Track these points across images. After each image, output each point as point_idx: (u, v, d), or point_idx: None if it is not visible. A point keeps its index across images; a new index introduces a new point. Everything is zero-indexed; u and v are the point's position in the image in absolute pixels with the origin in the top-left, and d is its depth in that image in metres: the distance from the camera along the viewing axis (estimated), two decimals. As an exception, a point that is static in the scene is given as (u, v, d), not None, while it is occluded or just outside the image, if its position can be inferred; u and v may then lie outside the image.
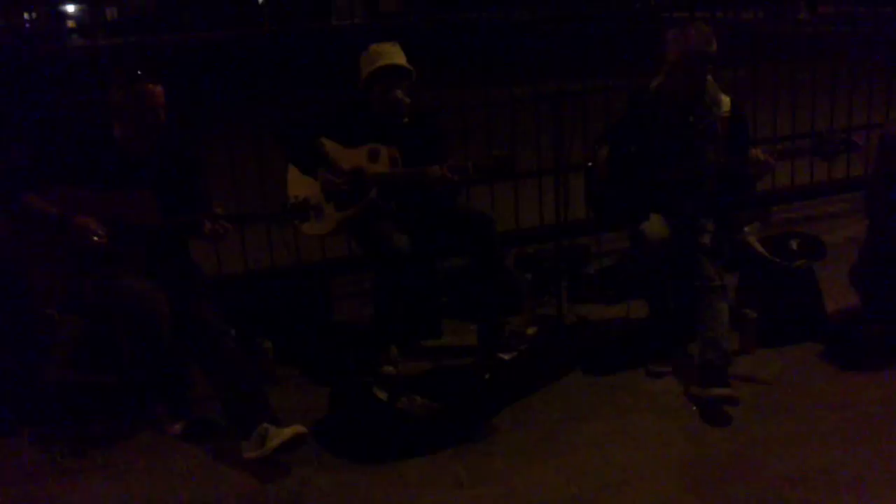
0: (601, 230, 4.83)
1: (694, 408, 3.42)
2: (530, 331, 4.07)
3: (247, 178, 4.90)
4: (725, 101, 3.71)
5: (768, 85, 5.65)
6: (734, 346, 3.75)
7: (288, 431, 3.10)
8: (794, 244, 4.16)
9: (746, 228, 4.52)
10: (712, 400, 3.37)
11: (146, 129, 3.37)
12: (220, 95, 6.03)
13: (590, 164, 3.95)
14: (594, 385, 3.69)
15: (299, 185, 3.88)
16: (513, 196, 5.16)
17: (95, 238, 3.23)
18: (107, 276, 3.28)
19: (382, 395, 3.41)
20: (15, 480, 3.17)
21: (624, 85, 4.64)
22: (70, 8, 46.91)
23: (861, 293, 3.95)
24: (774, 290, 3.97)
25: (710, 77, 3.68)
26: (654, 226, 3.63)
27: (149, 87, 3.33)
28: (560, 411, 3.48)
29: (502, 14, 5.57)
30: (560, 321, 4.13)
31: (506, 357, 3.84)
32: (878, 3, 6.48)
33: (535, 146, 5.08)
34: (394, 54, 3.86)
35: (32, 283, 3.44)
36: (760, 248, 4.09)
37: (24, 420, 3.53)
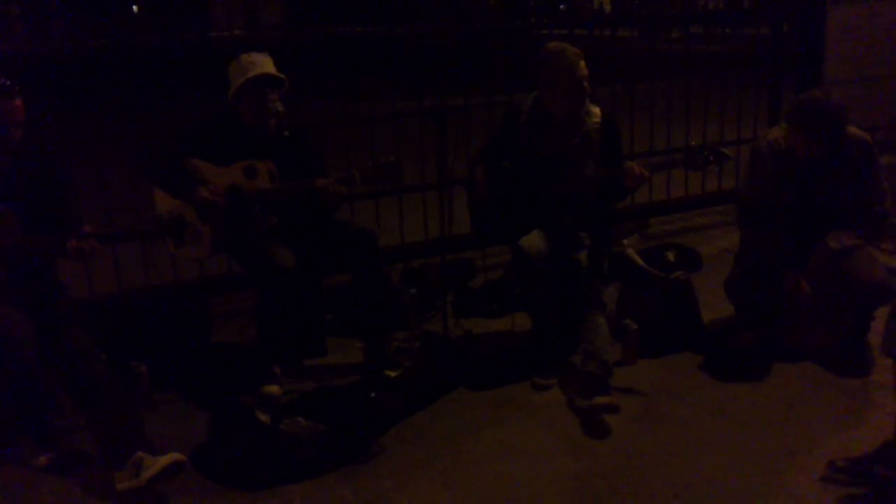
0: (483, 245, 4.85)
1: (579, 419, 3.45)
2: (416, 346, 4.03)
3: (119, 195, 4.69)
4: (595, 111, 3.81)
5: (644, 102, 5.81)
6: (616, 357, 3.82)
7: (164, 459, 2.96)
8: (671, 256, 4.28)
9: (625, 241, 4.64)
10: (594, 409, 3.42)
11: (3, 142, 3.16)
12: (90, 108, 5.77)
13: (469, 178, 3.97)
14: (481, 399, 3.68)
15: (170, 204, 3.71)
16: (397, 211, 5.12)
17: (-51, 260, 3.01)
18: (-37, 299, 3.06)
19: (264, 418, 3.30)
20: None
21: (505, 101, 4.67)
22: (-74, 14, 44.39)
23: (735, 303, 4.09)
24: (653, 301, 4.06)
25: None
26: (533, 240, 3.67)
27: (7, 101, 3.13)
28: (447, 428, 3.46)
29: (386, 28, 5.54)
30: (446, 336, 4.11)
31: (392, 374, 3.79)
32: (744, 24, 6.77)
33: (419, 161, 5.07)
34: (266, 64, 3.74)
35: None
36: (639, 260, 4.18)
37: None
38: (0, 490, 3.09)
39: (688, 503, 2.89)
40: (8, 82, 3.16)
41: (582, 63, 3.68)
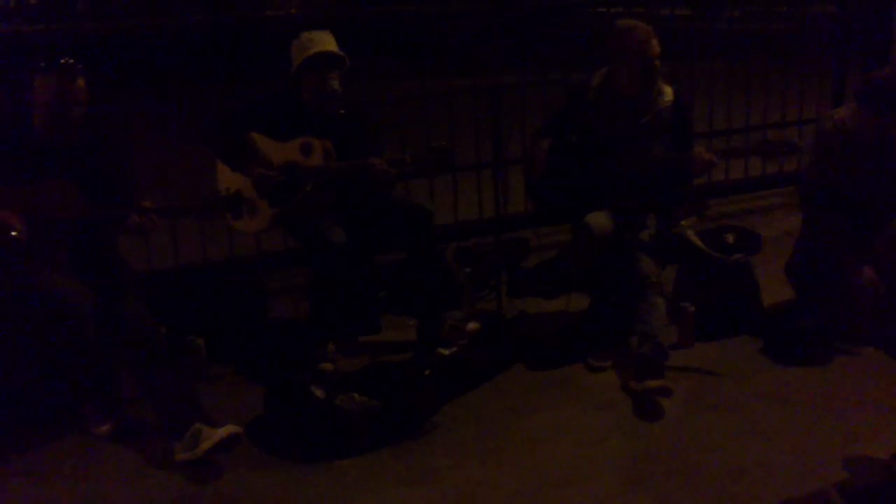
0: (538, 224, 4.81)
1: (633, 402, 3.42)
2: (470, 326, 4.02)
3: (178, 170, 4.75)
4: (668, 91, 3.73)
5: (704, 81, 5.70)
6: (672, 340, 3.76)
7: (221, 431, 3.00)
8: (730, 238, 4.20)
9: (683, 222, 4.55)
10: (647, 392, 3.38)
11: (66, 120, 3.23)
12: (151, 85, 5.85)
13: (529, 155, 3.92)
14: (534, 380, 3.67)
15: (230, 179, 3.76)
16: (452, 189, 5.10)
17: (14, 233, 3.08)
18: (27, 272, 3.13)
19: (319, 393, 3.32)
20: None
21: (562, 79, 4.62)
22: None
23: (796, 286, 4.00)
24: (712, 283, 3.99)
25: None
26: (599, 220, 3.63)
27: (70, 80, 3.19)
28: (500, 407, 3.45)
29: (441, 6, 5.51)
30: (500, 316, 4.10)
31: (445, 352, 3.78)
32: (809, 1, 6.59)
33: (474, 139, 5.04)
34: (326, 42, 3.75)
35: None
36: (698, 242, 4.11)
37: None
38: (66, 457, 3.16)
39: (745, 487, 2.85)
40: (71, 61, 3.22)
41: (654, 41, 3.61)
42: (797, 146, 3.63)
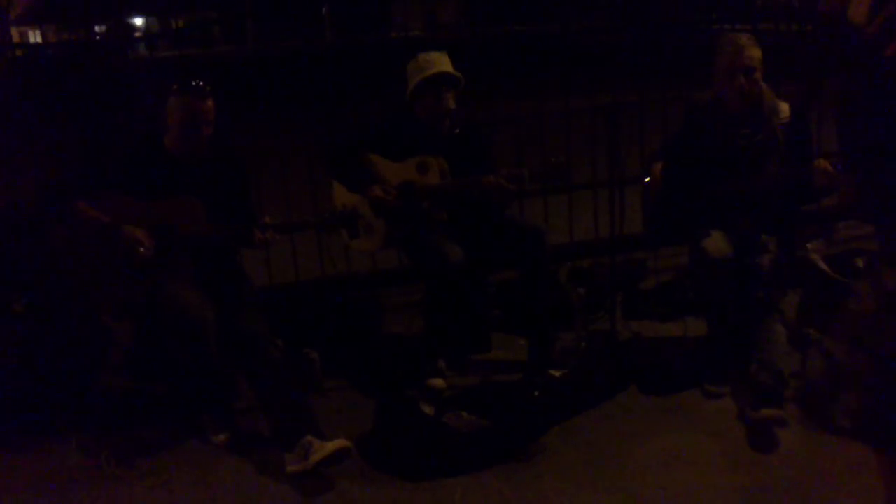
0: (656, 245, 4.70)
1: (746, 430, 3.29)
2: (582, 347, 3.97)
3: (299, 188, 4.89)
4: (784, 107, 3.60)
5: (829, 98, 5.45)
6: (795, 367, 3.60)
7: (331, 445, 3.06)
8: (860, 262, 4.00)
9: (809, 245, 4.36)
10: (763, 421, 3.24)
11: (196, 140, 3.38)
12: (277, 106, 6.06)
13: (646, 179, 3.86)
14: (648, 405, 3.58)
15: (347, 198, 3.85)
16: (567, 209, 5.06)
17: (141, 250, 3.24)
18: (155, 283, 3.29)
19: (428, 410, 3.35)
20: (60, 485, 3.18)
21: (680, 96, 4.52)
22: (138, 21, 48.11)
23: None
24: (839, 309, 3.80)
25: (765, 85, 3.59)
26: (717, 242, 3.52)
27: (200, 100, 3.34)
28: (612, 432, 3.38)
29: (559, 25, 5.49)
30: (613, 338, 4.02)
31: (556, 374, 3.74)
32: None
33: (591, 159, 4.98)
34: (443, 63, 3.80)
35: (86, 290, 3.46)
36: (824, 266, 3.93)
37: (73, 425, 3.55)
38: (186, 463, 3.29)
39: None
40: (202, 83, 3.37)
41: (753, 48, 3.50)
42: None
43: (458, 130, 3.88)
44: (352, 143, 3.88)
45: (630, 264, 4.69)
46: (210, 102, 3.39)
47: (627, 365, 3.81)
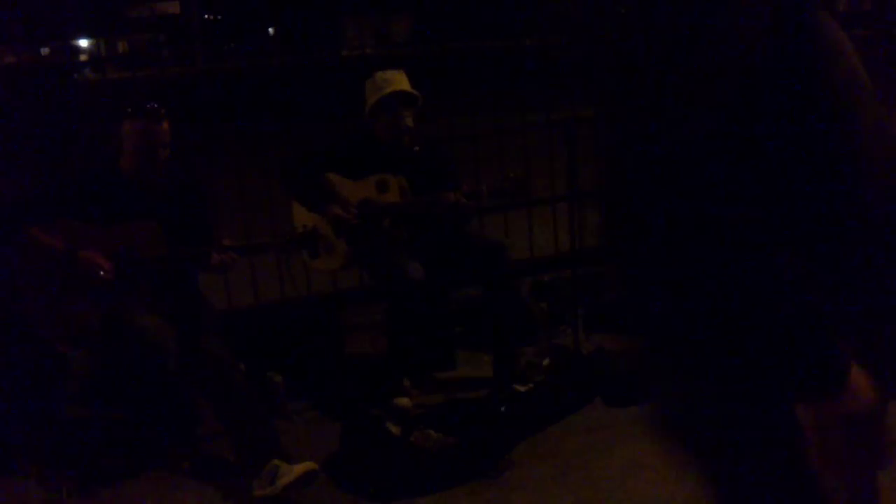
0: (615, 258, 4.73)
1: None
2: (546, 362, 3.98)
3: (256, 208, 4.85)
4: None
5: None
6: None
7: (298, 468, 3.02)
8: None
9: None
10: None
11: (152, 162, 3.34)
12: (229, 125, 6.02)
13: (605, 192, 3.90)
14: (613, 416, 3.60)
15: (307, 218, 3.82)
16: (527, 224, 5.09)
17: (101, 273, 3.19)
18: (113, 310, 3.23)
19: (395, 430, 3.33)
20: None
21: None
22: (83, 42, 47.53)
23: None
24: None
25: None
26: None
27: (155, 122, 3.30)
28: (578, 444, 3.39)
29: (512, 41, 5.54)
30: (577, 351, 4.05)
31: (522, 389, 3.75)
32: None
33: (549, 173, 5.02)
34: (401, 81, 3.81)
35: (40, 320, 3.39)
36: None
37: (31, 457, 3.46)
38: (147, 492, 3.22)
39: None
40: (156, 106, 3.34)
41: None
42: None
43: (417, 148, 3.89)
44: (308, 163, 3.85)
45: (591, 277, 4.72)
46: (165, 125, 3.36)
47: (592, 378, 3.83)
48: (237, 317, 4.39)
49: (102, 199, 3.33)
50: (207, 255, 3.34)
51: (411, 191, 3.77)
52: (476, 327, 4.30)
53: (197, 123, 5.14)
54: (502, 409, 3.47)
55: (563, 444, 3.40)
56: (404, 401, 3.70)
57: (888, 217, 1.47)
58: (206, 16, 47.77)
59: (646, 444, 3.35)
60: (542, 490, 3.09)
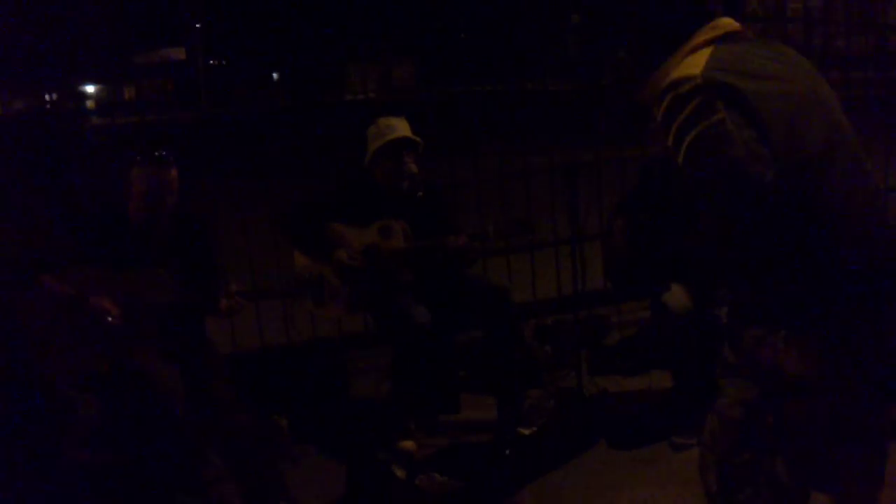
0: (617, 301, 4.77)
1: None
2: (550, 404, 3.99)
3: (262, 253, 4.89)
4: None
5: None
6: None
7: (304, 512, 3.03)
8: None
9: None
10: None
11: (160, 209, 3.39)
12: (236, 171, 6.09)
13: (607, 233, 3.94)
14: (618, 458, 3.61)
15: (307, 265, 3.85)
16: (529, 267, 5.13)
17: (110, 318, 3.22)
18: (121, 355, 3.26)
19: (400, 473, 3.34)
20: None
21: (637, 155, 4.63)
22: (90, 88, 48.01)
23: None
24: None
25: None
26: (677, 297, 3.59)
27: (164, 170, 3.36)
28: (583, 486, 3.39)
29: (516, 85, 5.62)
30: (581, 394, 4.06)
31: (526, 432, 3.76)
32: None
33: (551, 216, 5.07)
34: (402, 127, 3.87)
35: (50, 364, 3.41)
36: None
37: (37, 502, 3.46)
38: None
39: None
40: (164, 153, 3.40)
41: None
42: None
43: (420, 193, 3.94)
44: (307, 213, 3.89)
45: (594, 320, 4.75)
46: (174, 172, 3.41)
47: (596, 420, 3.84)
48: (243, 360, 4.42)
49: (111, 246, 3.37)
50: (216, 301, 3.38)
51: (414, 236, 3.82)
52: (480, 370, 4.31)
53: (203, 167, 5.20)
54: (507, 451, 3.48)
55: (568, 487, 3.40)
56: (409, 444, 3.71)
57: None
58: (211, 61, 48.41)
59: (651, 485, 3.36)
60: (548, 533, 3.09)
